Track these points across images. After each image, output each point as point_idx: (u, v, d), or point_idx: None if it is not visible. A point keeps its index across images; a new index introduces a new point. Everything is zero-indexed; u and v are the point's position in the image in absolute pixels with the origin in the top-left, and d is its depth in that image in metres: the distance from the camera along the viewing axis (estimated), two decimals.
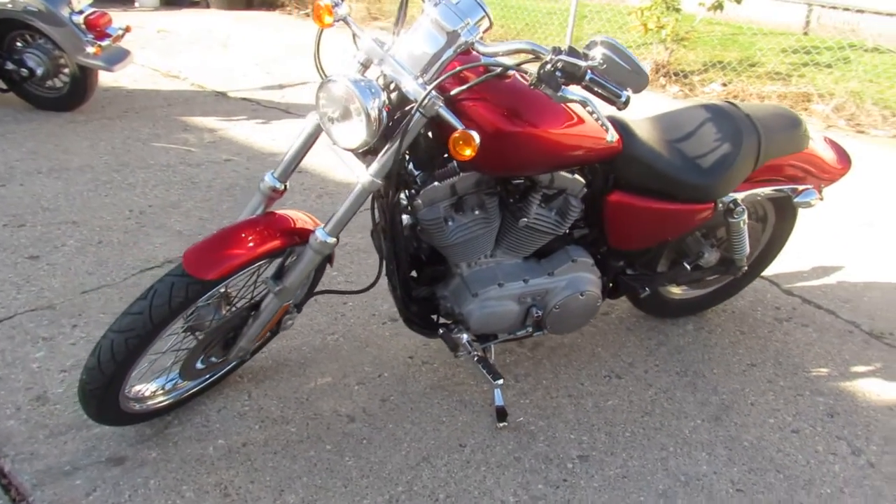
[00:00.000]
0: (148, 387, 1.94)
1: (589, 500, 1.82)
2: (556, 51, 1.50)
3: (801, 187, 2.22)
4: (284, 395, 2.12)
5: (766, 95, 5.52)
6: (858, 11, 6.85)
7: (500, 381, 1.93)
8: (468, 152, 1.51)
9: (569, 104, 1.71)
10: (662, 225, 2.08)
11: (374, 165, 1.63)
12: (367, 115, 1.49)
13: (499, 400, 2.09)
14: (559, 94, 1.51)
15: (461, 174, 1.78)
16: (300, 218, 1.82)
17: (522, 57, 1.59)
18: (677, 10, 5.49)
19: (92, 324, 2.35)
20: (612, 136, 1.78)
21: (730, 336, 2.53)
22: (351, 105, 1.51)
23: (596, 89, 1.52)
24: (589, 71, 1.49)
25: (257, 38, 6.76)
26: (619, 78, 1.51)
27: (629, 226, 2.07)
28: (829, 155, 2.27)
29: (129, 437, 1.89)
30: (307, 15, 7.87)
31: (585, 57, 1.49)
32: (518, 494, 1.83)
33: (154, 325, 1.63)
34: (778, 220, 2.42)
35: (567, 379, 2.26)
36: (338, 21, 1.63)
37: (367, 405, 2.10)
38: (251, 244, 1.66)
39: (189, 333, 1.84)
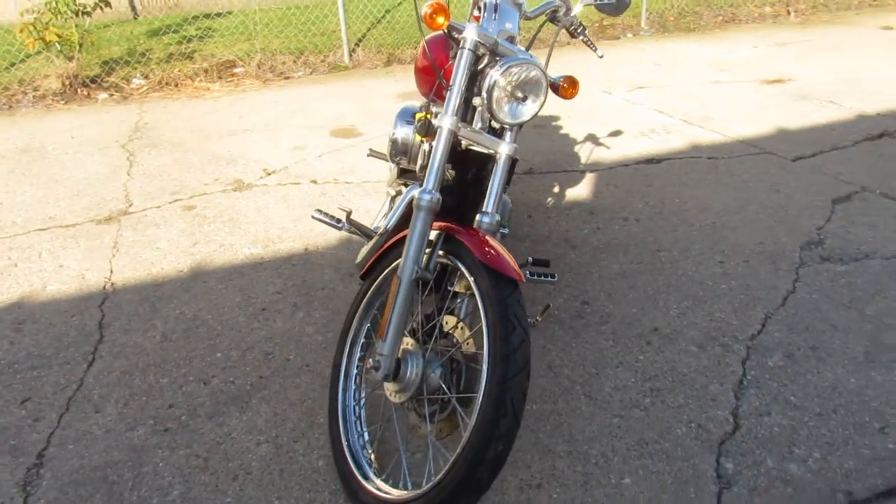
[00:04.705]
0: None
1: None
2: None
3: None
4: None
5: (195, 74, 5.89)
6: None
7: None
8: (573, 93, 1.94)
9: None
10: None
11: (510, 135, 1.84)
12: (548, 87, 1.74)
13: None
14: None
15: None
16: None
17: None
18: (88, 14, 5.19)
19: None
20: None
21: None
22: (541, 84, 1.71)
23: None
24: None
25: None
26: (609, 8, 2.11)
27: None
28: None
29: None
30: None
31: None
32: (614, 343, 2.43)
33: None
34: None
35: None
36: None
37: None
38: (493, 244, 1.67)
39: None
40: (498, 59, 1.75)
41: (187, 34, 6.55)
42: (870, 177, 3.64)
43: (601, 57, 2.19)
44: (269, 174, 3.93)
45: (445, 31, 1.71)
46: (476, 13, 1.88)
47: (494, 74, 1.68)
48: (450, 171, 2.08)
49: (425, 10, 1.65)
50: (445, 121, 1.73)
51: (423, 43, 2.15)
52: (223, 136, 4.60)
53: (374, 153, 2.74)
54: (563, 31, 2.06)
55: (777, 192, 3.50)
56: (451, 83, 1.75)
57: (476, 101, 1.76)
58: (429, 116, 1.92)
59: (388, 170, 2.94)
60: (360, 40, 6.61)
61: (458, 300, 1.78)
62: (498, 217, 1.80)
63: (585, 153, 4.08)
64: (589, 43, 2.15)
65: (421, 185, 2.12)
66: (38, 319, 2.62)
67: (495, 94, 1.69)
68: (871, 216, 3.21)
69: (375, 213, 3.07)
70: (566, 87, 1.89)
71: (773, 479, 1.83)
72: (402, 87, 5.59)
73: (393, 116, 2.30)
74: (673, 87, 5.36)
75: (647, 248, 2.99)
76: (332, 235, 3.17)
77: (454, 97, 1.74)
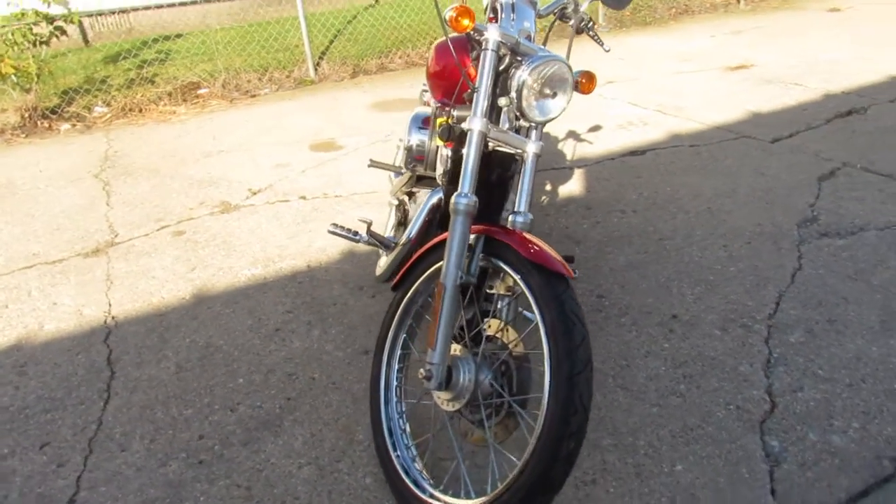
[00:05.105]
0: None
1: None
2: None
3: None
4: None
5: (159, 98, 5.76)
6: (123, 12, 7.39)
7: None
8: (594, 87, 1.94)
9: None
10: None
11: (536, 134, 1.83)
12: (574, 83, 1.74)
13: None
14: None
15: None
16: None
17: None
18: (45, 44, 5.03)
19: None
20: None
21: None
22: (568, 80, 1.71)
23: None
24: None
25: None
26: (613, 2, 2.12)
27: None
28: None
29: None
30: None
31: None
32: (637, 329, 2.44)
33: None
34: None
35: None
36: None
37: None
38: (537, 241, 1.66)
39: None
40: (520, 58, 1.74)
41: (146, 58, 6.40)
42: (847, 153, 3.74)
43: (608, 51, 2.21)
44: (255, 193, 3.86)
45: (468, 33, 1.70)
46: (491, 15, 1.87)
47: (522, 74, 1.67)
48: None
49: (450, 12, 1.63)
50: (476, 123, 1.71)
51: (443, 45, 2.14)
52: (198, 158, 4.51)
53: (375, 164, 2.71)
54: (557, 26, 2.06)
55: (763, 175, 3.58)
56: (477, 85, 1.73)
57: (502, 101, 1.74)
58: (449, 121, 1.90)
59: (388, 179, 2.91)
60: (323, 53, 6.56)
61: (500, 302, 1.76)
62: (531, 216, 1.79)
63: (570, 150, 4.11)
64: (596, 38, 2.16)
65: (442, 191, 2.12)
66: (40, 361, 2.52)
67: (524, 93, 1.68)
68: (857, 190, 3.30)
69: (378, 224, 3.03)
70: (584, 83, 1.89)
71: (819, 452, 1.86)
72: (372, 98, 5.56)
73: (401, 124, 2.28)
74: (641, 80, 5.44)
75: (650, 238, 3.03)
76: (334, 250, 3.13)
77: (482, 99, 1.72)
